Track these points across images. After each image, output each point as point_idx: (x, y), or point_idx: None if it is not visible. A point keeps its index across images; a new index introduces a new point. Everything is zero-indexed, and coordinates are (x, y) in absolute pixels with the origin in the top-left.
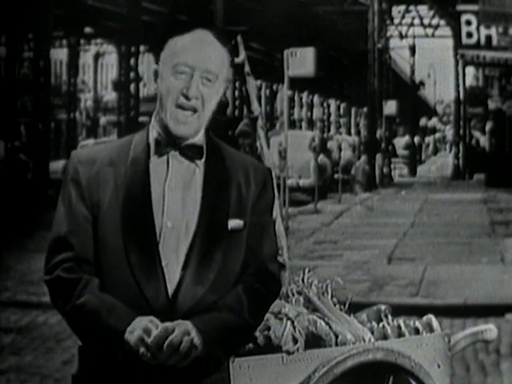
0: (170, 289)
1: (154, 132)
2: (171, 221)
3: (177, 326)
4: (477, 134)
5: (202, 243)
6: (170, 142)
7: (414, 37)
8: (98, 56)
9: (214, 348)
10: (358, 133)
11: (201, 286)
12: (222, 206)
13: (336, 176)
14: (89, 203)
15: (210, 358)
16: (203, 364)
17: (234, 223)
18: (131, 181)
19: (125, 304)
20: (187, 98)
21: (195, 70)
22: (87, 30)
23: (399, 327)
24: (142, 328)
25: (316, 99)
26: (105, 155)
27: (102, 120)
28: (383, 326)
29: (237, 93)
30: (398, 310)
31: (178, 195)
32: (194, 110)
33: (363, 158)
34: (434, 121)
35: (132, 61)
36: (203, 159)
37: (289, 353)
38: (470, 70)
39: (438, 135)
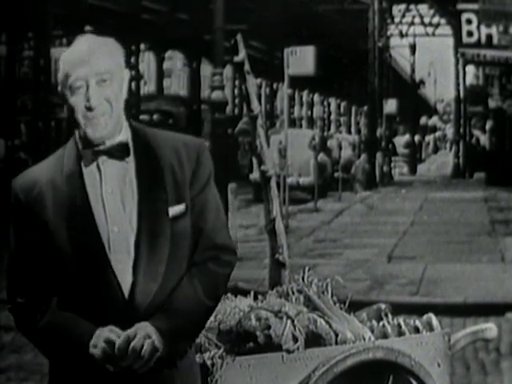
0: (126, 292)
1: (79, 144)
2: (116, 225)
3: (137, 331)
4: (477, 132)
5: (147, 239)
6: (95, 149)
7: (415, 35)
8: None
9: (176, 344)
10: (358, 131)
11: (153, 281)
12: (159, 196)
13: (336, 174)
14: (35, 227)
15: (173, 353)
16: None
17: (175, 210)
18: (70, 197)
19: (85, 315)
20: (91, 109)
21: (88, 79)
22: (87, 28)
23: (399, 326)
24: (104, 340)
25: (316, 98)
26: (42, 175)
27: None
28: (383, 325)
29: (236, 91)
30: (398, 309)
31: (116, 198)
32: (103, 114)
33: (363, 156)
34: (434, 119)
35: (132, 59)
36: (131, 155)
37: (289, 351)
38: (471, 69)
39: (438, 134)
